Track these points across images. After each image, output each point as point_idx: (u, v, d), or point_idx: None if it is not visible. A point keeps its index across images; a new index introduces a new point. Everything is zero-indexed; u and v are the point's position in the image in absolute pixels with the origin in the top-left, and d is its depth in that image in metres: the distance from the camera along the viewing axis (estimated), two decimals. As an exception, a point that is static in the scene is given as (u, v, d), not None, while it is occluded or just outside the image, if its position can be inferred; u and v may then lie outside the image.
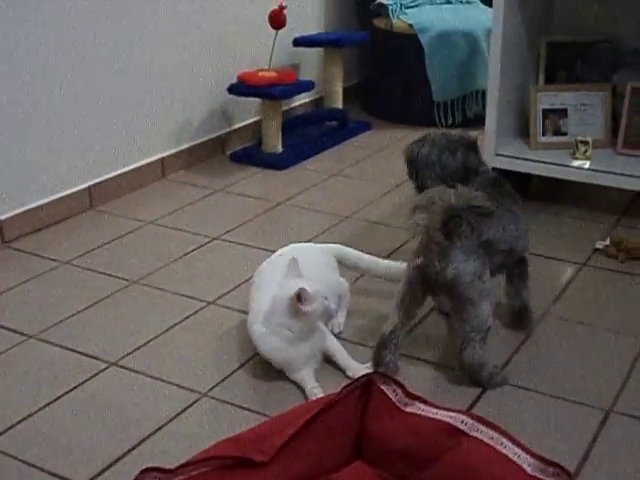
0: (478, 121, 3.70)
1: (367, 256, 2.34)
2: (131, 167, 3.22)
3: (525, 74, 3.17)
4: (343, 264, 2.34)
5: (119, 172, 3.17)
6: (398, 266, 2.27)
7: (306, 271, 2.10)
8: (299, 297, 1.95)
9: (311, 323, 2.01)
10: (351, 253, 2.35)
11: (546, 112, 3.09)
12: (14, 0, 2.67)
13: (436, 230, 1.88)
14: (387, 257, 2.62)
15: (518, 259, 2.19)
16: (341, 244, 2.40)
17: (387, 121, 4.06)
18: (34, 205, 2.87)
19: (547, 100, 3.10)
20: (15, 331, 2.26)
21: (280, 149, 3.56)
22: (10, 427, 1.88)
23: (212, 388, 2.02)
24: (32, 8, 2.73)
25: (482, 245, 1.96)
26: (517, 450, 1.43)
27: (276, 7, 3.43)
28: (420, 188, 2.21)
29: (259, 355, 2.09)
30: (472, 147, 2.21)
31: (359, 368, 2.03)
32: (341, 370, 2.07)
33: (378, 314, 2.29)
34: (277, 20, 3.43)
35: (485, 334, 1.98)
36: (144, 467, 1.41)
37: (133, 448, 1.81)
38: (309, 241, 2.65)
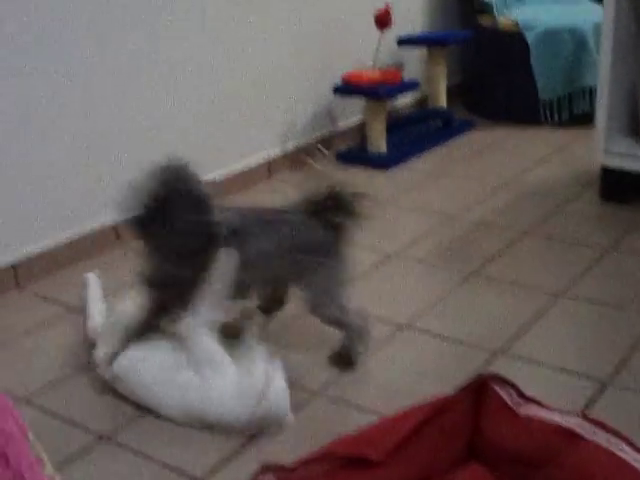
0: (586, 119, 3.64)
1: None
2: (239, 168, 3.28)
3: (637, 70, 3.09)
4: None
5: (228, 171, 3.23)
6: None
7: None
8: None
9: None
10: None
11: (659, 109, 3.02)
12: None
13: None
14: (492, 260, 2.60)
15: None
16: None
17: (491, 120, 4.02)
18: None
19: (660, 97, 3.02)
20: None
21: (385, 149, 3.57)
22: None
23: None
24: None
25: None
26: (637, 455, 1.41)
27: (382, 7, 3.45)
28: None
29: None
30: None
31: None
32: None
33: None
34: (383, 20, 3.45)
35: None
36: (262, 464, 1.44)
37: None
38: (412, 240, 2.63)
